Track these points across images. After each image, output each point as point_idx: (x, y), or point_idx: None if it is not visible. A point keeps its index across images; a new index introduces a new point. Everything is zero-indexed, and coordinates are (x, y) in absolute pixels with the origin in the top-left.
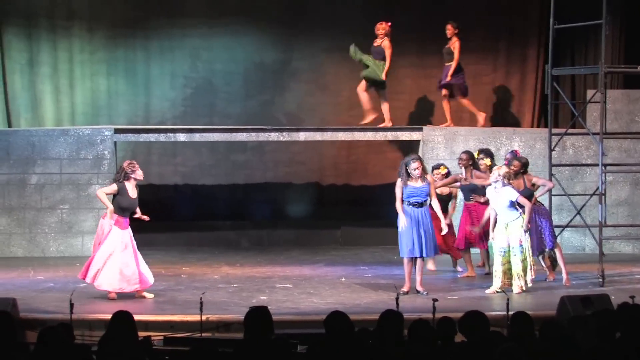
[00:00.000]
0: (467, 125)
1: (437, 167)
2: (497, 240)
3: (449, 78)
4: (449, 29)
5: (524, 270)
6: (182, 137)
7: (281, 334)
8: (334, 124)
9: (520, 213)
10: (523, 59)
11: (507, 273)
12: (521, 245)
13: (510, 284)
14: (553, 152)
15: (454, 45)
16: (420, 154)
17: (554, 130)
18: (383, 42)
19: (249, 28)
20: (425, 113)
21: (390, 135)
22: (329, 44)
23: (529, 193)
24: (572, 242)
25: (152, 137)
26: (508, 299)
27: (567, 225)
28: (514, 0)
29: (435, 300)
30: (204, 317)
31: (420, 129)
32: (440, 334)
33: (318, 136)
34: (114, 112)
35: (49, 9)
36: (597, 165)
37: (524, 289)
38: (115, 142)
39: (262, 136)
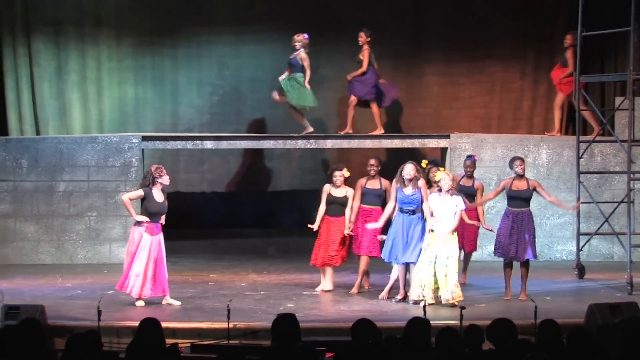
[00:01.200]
0: (495, 133)
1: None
2: (430, 250)
3: (354, 81)
4: (361, 37)
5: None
6: (209, 144)
7: (308, 342)
8: (361, 132)
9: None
10: (551, 67)
11: (435, 284)
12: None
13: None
14: (581, 160)
15: (364, 54)
16: (447, 161)
17: (582, 138)
18: (300, 54)
19: (276, 35)
20: (452, 120)
21: (417, 143)
22: (355, 51)
23: (529, 194)
24: (600, 250)
25: (179, 144)
26: (536, 307)
27: (595, 233)
28: (542, 8)
29: (462, 308)
30: (231, 325)
31: (448, 137)
32: (468, 342)
33: (345, 144)
34: (142, 119)
35: (77, 17)
36: (625, 172)
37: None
38: (142, 150)
39: (289, 144)
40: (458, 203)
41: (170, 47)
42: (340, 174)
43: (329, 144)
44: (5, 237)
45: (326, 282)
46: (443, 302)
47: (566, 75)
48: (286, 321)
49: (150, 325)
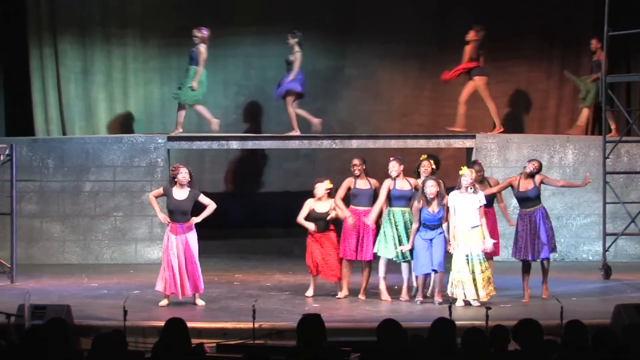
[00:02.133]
0: (519, 133)
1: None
2: (461, 248)
3: (288, 84)
4: (290, 41)
5: (486, 280)
6: (234, 144)
7: (333, 342)
8: (386, 132)
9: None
10: (577, 67)
11: (472, 282)
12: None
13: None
14: (607, 160)
15: (296, 55)
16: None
17: (609, 138)
18: (199, 48)
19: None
20: (478, 120)
21: (443, 143)
22: (381, 51)
23: (537, 192)
24: (626, 250)
25: (204, 144)
26: (562, 307)
27: (621, 234)
28: (568, 7)
29: (488, 308)
30: (256, 325)
31: (473, 137)
32: (494, 343)
33: (370, 144)
34: (167, 119)
35: (103, 17)
36: None
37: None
38: (168, 150)
39: (315, 144)
40: (480, 198)
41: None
42: (322, 186)
43: (355, 144)
44: (31, 237)
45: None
46: (480, 299)
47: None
48: (312, 321)
49: (176, 325)
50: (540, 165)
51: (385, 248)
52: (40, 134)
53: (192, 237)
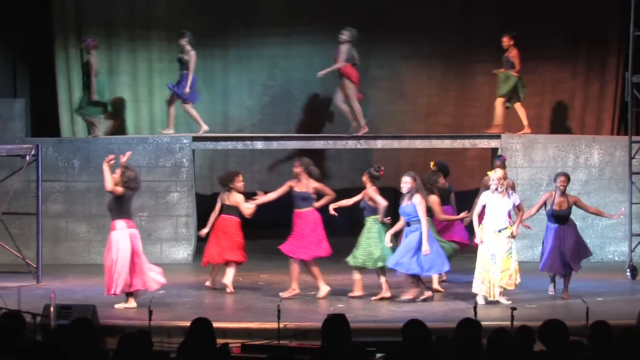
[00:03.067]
0: (546, 133)
1: None
2: (487, 246)
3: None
4: (181, 41)
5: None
6: (259, 145)
7: (358, 342)
8: (411, 132)
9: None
10: (603, 67)
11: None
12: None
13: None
14: (633, 160)
15: (190, 55)
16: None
17: (634, 138)
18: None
19: (326, 36)
20: (503, 120)
21: (468, 143)
22: (406, 51)
23: (569, 212)
24: None
25: (230, 145)
26: (588, 308)
27: None
28: (594, 7)
29: (513, 309)
30: (281, 325)
31: (499, 137)
32: (520, 343)
33: (395, 144)
34: (192, 120)
35: (128, 18)
36: None
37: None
38: (193, 150)
39: (340, 144)
40: (515, 201)
41: (220, 47)
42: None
43: (380, 144)
44: (57, 237)
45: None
46: (497, 295)
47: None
48: (336, 321)
49: (201, 325)
50: (569, 178)
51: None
52: (66, 134)
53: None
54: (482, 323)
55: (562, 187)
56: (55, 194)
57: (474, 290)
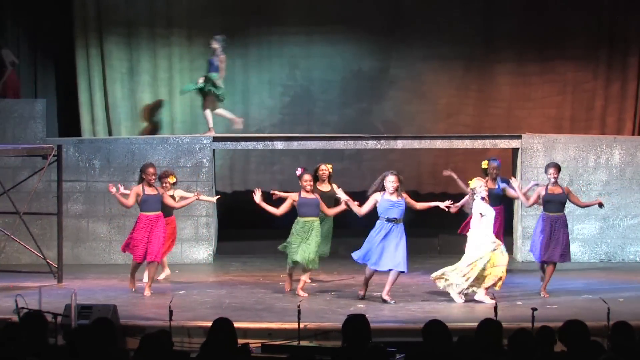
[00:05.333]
0: (567, 133)
1: None
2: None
3: None
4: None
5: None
6: (280, 145)
7: (379, 342)
8: (431, 132)
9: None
10: (624, 67)
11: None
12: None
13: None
14: None
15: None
16: (518, 161)
17: None
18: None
19: (347, 36)
20: (524, 121)
21: (488, 143)
22: (427, 51)
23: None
24: None
25: (250, 145)
26: (609, 308)
27: None
28: (615, 8)
29: (534, 309)
30: (301, 325)
31: (519, 137)
32: (540, 344)
33: (416, 144)
34: (213, 120)
35: (148, 18)
36: None
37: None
38: (213, 150)
39: (360, 144)
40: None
41: (241, 47)
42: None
43: (400, 144)
44: (78, 237)
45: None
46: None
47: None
48: (357, 322)
49: (222, 325)
50: (559, 169)
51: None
52: (87, 135)
53: None
54: (503, 323)
55: (553, 179)
56: (76, 194)
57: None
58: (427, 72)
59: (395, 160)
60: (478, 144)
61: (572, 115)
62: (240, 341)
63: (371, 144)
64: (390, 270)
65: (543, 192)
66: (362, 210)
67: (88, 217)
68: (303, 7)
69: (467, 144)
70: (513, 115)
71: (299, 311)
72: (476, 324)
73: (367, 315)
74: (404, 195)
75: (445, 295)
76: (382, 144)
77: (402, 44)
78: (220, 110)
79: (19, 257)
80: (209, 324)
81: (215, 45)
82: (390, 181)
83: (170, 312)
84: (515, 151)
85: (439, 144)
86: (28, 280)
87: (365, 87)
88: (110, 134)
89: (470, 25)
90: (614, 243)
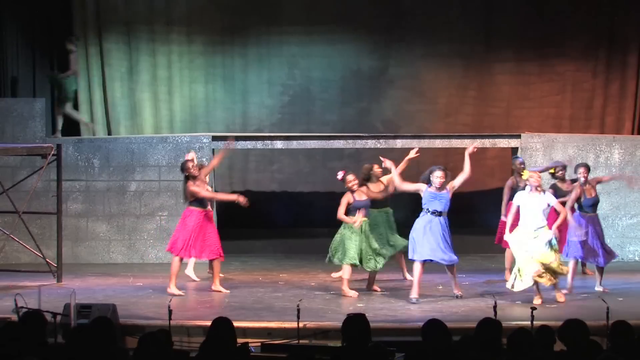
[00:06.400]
0: (566, 132)
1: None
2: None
3: None
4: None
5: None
6: (279, 144)
7: (378, 342)
8: (431, 131)
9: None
10: (623, 66)
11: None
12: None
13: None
14: None
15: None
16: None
17: None
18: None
19: (346, 36)
20: (523, 120)
21: (488, 143)
22: (426, 50)
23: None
24: None
25: (249, 144)
26: (608, 308)
27: None
28: (615, 7)
29: (534, 308)
30: (301, 324)
31: (519, 136)
32: (540, 343)
33: (415, 143)
34: (212, 119)
35: (148, 17)
36: None
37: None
38: (213, 149)
39: (359, 143)
40: (549, 200)
41: (240, 46)
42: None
43: (399, 143)
44: (77, 237)
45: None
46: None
47: None
48: (356, 321)
49: (222, 325)
50: (589, 169)
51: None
52: (86, 134)
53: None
54: (503, 323)
55: (583, 178)
56: (75, 194)
57: (523, 284)
58: (426, 72)
59: (395, 159)
60: (477, 143)
61: (572, 115)
62: (240, 340)
63: (370, 144)
64: (431, 260)
65: (583, 198)
66: (403, 184)
67: (87, 217)
68: (302, 6)
69: (466, 143)
70: (512, 115)
71: (299, 310)
72: (475, 323)
73: (366, 315)
74: (449, 187)
75: (444, 295)
76: (382, 144)
77: (402, 43)
78: (69, 110)
79: (19, 257)
80: (209, 323)
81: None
82: (437, 176)
83: (170, 312)
84: (514, 150)
85: (439, 143)
86: (27, 279)
87: (364, 86)
88: (109, 133)
89: (469, 24)
90: (613, 242)
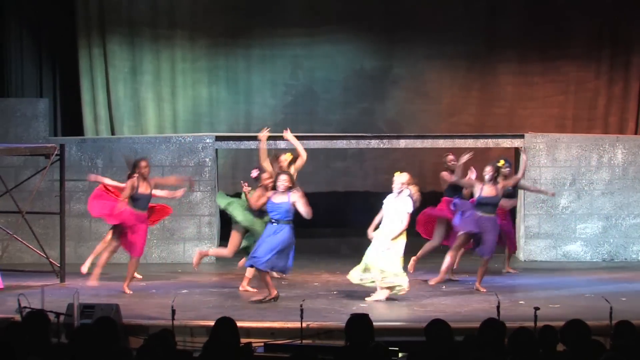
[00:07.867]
0: (570, 132)
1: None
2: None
3: None
4: None
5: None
6: (282, 144)
7: (381, 342)
8: (434, 131)
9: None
10: (626, 66)
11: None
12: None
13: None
14: None
15: None
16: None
17: None
18: None
19: (349, 36)
20: (526, 120)
21: (491, 143)
22: (429, 51)
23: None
24: None
25: (252, 144)
26: (611, 308)
27: None
28: (618, 7)
29: (537, 308)
30: (304, 324)
31: (522, 136)
32: (542, 343)
33: (418, 143)
34: (215, 119)
35: (151, 18)
36: None
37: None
38: (216, 150)
39: (362, 143)
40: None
41: (243, 47)
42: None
43: (402, 143)
44: (80, 237)
45: None
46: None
47: None
48: (360, 321)
49: (225, 325)
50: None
51: None
52: (89, 134)
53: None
54: (506, 323)
55: (488, 176)
56: (78, 194)
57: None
58: (429, 72)
59: (398, 159)
60: (481, 143)
61: (575, 115)
62: (243, 340)
63: (374, 144)
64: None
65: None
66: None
67: (90, 217)
68: (305, 7)
69: (469, 143)
70: (516, 115)
71: (302, 310)
72: (479, 323)
73: (369, 315)
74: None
75: (447, 295)
76: (385, 144)
77: (405, 43)
78: None
79: (22, 257)
80: (212, 323)
81: None
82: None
83: (173, 312)
84: (517, 150)
85: (442, 143)
86: (30, 279)
87: (367, 86)
88: (113, 133)
89: (472, 24)
90: (616, 242)
